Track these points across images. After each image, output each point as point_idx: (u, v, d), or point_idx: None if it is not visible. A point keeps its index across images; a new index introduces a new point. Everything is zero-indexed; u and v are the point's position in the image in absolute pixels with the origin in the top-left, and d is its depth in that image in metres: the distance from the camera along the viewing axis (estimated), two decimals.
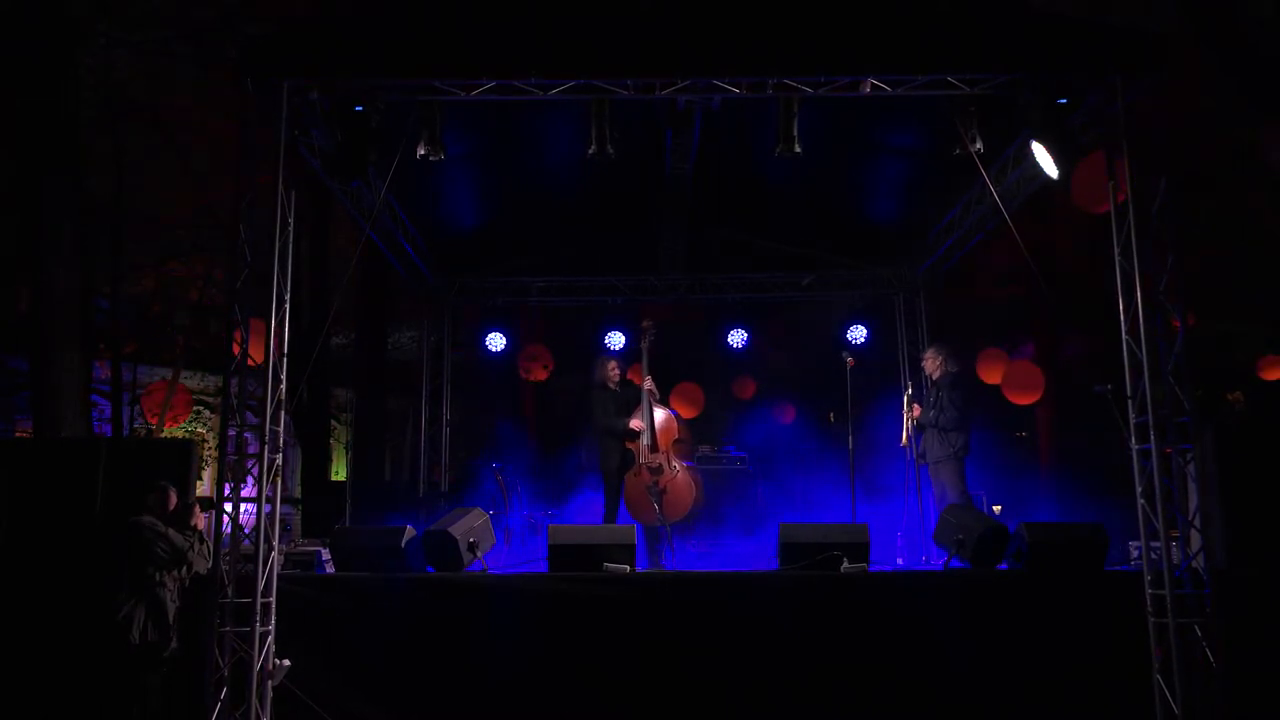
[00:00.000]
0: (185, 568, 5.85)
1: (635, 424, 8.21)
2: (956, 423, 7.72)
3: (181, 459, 6.63)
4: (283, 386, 5.86)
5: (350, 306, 15.06)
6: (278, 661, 5.65)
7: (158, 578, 5.72)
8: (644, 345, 8.56)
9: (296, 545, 8.10)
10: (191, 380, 19.07)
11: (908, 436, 8.03)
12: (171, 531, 5.80)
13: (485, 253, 11.03)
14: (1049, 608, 5.94)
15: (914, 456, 8.03)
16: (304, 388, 8.22)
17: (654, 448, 8.18)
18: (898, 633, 5.94)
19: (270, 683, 5.59)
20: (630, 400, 8.36)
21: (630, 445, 8.26)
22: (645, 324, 8.77)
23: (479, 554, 6.45)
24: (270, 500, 5.79)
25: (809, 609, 5.99)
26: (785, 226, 10.79)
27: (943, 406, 7.74)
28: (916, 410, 7.97)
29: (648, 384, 8.31)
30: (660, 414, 8.30)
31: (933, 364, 8.14)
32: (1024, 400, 12.00)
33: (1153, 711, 5.51)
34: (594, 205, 10.07)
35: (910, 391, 8.19)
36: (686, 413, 12.28)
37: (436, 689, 5.91)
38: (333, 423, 18.55)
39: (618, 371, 8.61)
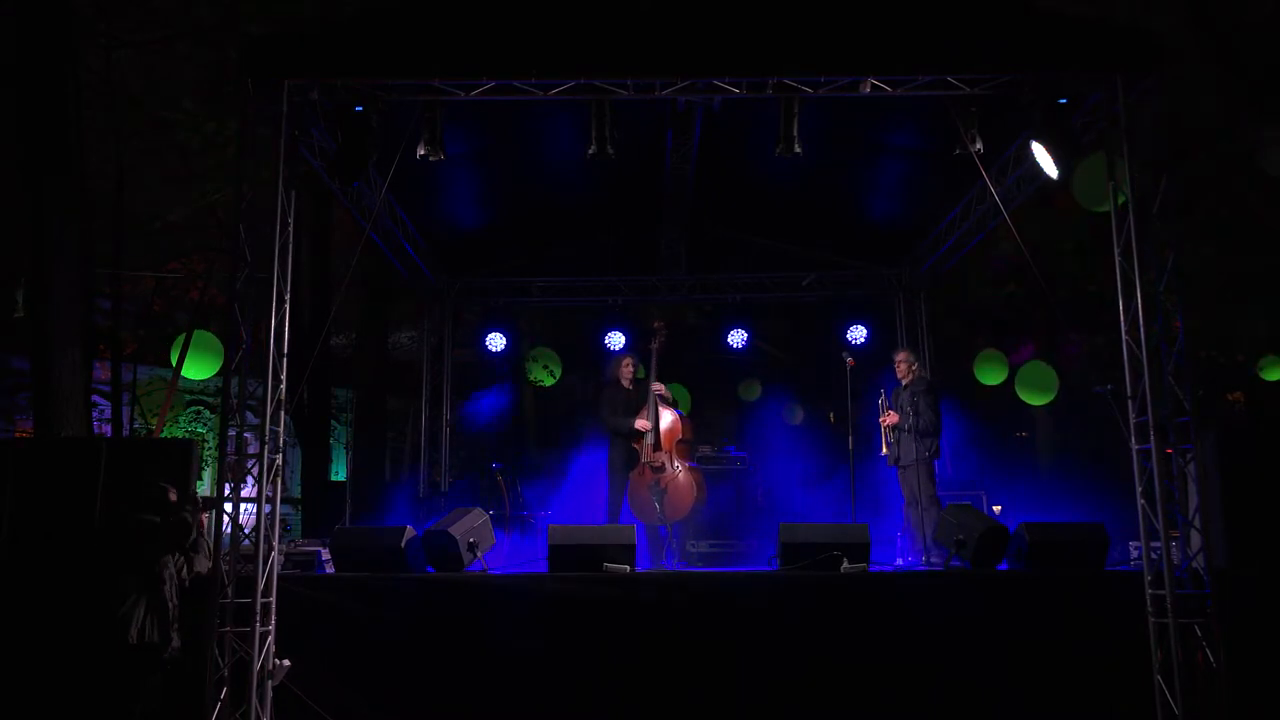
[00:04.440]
0: (186, 567, 5.84)
1: (641, 423, 8.22)
2: (934, 426, 7.76)
3: (181, 459, 6.63)
4: (283, 386, 5.86)
5: (350, 306, 15.07)
6: (278, 661, 5.65)
7: (157, 578, 5.71)
8: (655, 346, 8.55)
9: (296, 545, 8.10)
10: (192, 380, 19.08)
11: (887, 444, 8.02)
12: (169, 517, 5.77)
13: (486, 252, 11.04)
14: (1049, 608, 5.93)
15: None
16: (304, 388, 8.22)
17: (657, 446, 8.19)
18: (898, 633, 5.94)
19: (270, 683, 5.59)
20: (640, 401, 8.37)
21: (636, 444, 8.27)
22: (657, 324, 8.75)
23: (479, 554, 6.45)
24: (270, 500, 5.79)
25: (809, 609, 5.99)
26: (785, 226, 10.80)
27: (919, 410, 7.77)
28: (893, 417, 7.95)
29: (657, 388, 8.32)
30: (667, 414, 8.31)
31: (905, 368, 8.14)
32: (1037, 401, 11.98)
33: (1153, 711, 5.50)
34: (595, 205, 10.07)
35: (882, 398, 8.16)
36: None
37: (436, 689, 5.90)
38: (333, 423, 18.55)
39: (632, 370, 8.61)
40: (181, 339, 9.52)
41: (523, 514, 9.14)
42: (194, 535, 5.77)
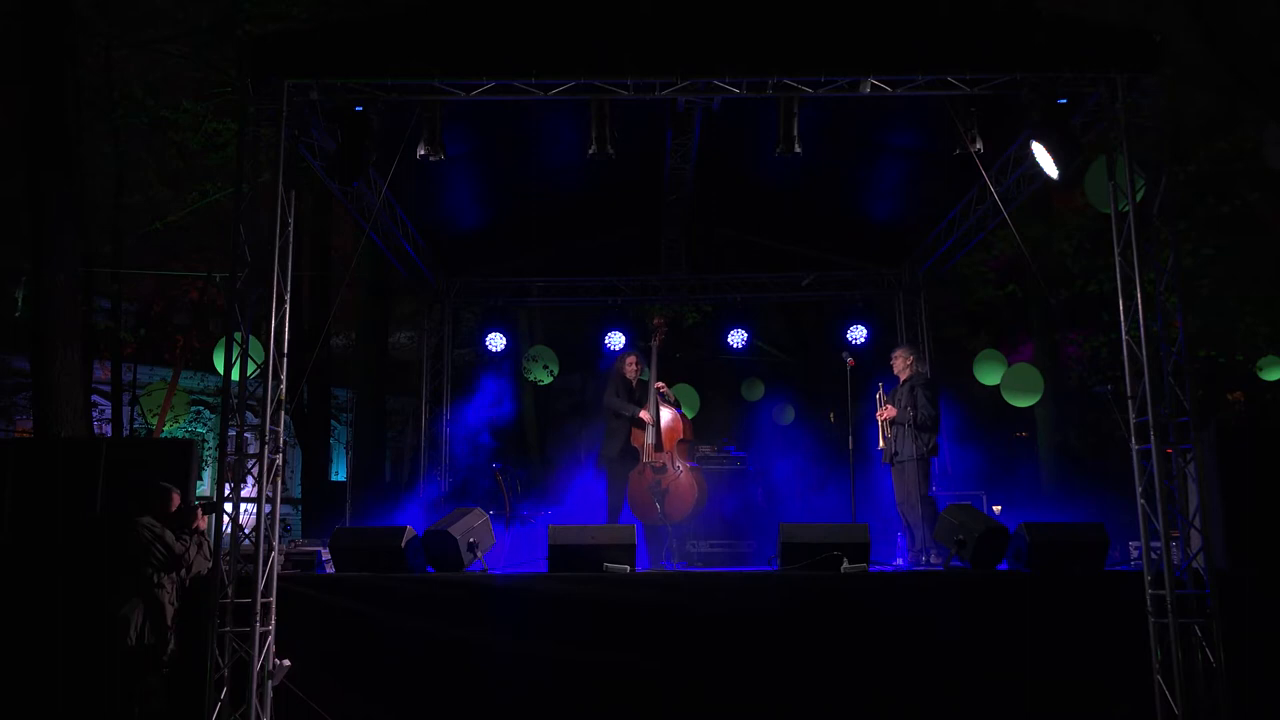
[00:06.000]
0: (185, 569, 5.86)
1: (644, 415, 8.20)
2: (933, 421, 7.66)
3: (181, 459, 6.64)
4: (283, 386, 5.86)
5: (350, 306, 15.08)
6: (278, 661, 5.65)
7: (156, 579, 5.73)
8: (655, 344, 8.51)
9: (296, 545, 8.10)
10: (191, 380, 19.11)
11: (884, 439, 7.92)
12: (169, 534, 5.80)
13: (485, 253, 11.04)
14: (1049, 608, 5.93)
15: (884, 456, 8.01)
16: (304, 388, 8.21)
17: (659, 446, 8.17)
18: (898, 633, 5.94)
19: (270, 683, 5.59)
20: (642, 398, 8.36)
21: (635, 441, 8.26)
22: (657, 321, 8.72)
23: (479, 554, 6.45)
24: (270, 500, 5.79)
25: (809, 609, 5.99)
26: (786, 226, 10.79)
27: (919, 405, 7.66)
28: (891, 411, 7.83)
29: (658, 385, 8.31)
30: (667, 413, 8.28)
31: (902, 364, 8.05)
32: (1023, 403, 11.96)
33: (1153, 711, 5.51)
34: (595, 205, 10.07)
35: (880, 392, 8.07)
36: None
37: (436, 689, 5.90)
38: (333, 423, 18.55)
39: (635, 368, 8.61)
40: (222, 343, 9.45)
41: (523, 514, 9.13)
42: (186, 562, 5.80)
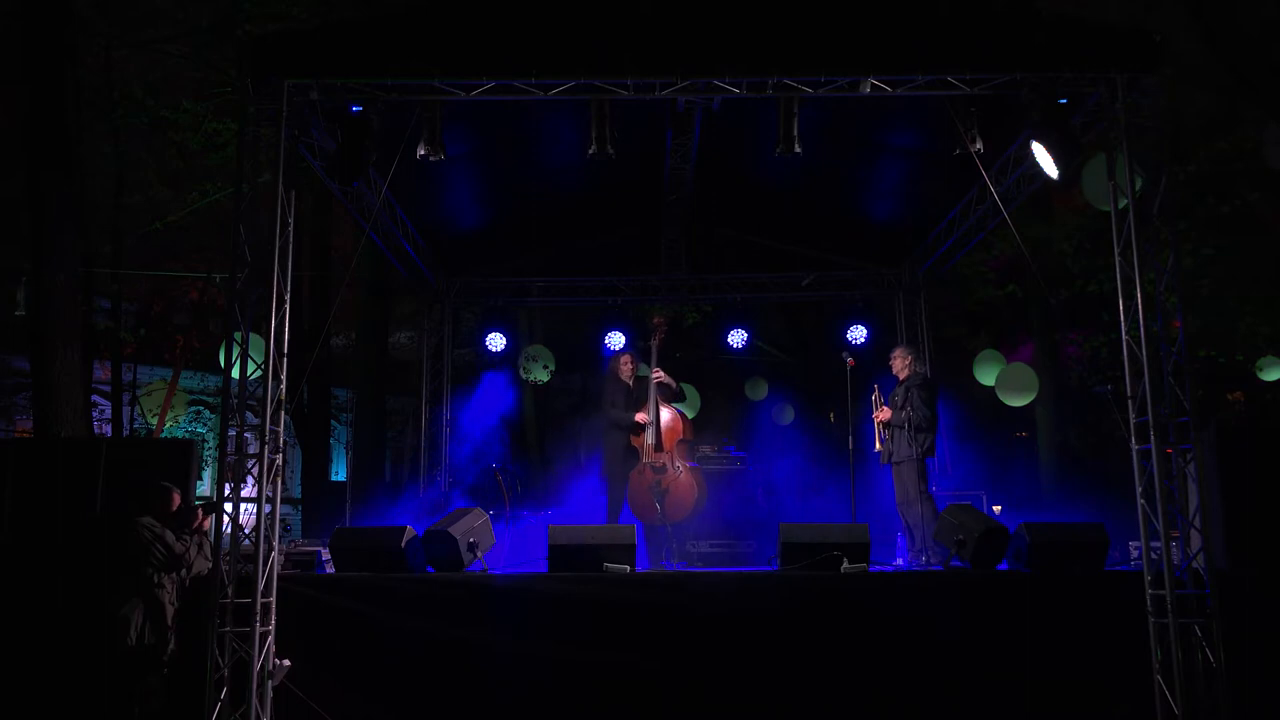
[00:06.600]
0: (185, 569, 5.86)
1: (641, 417, 8.20)
2: (928, 421, 7.66)
3: (181, 459, 6.64)
4: (283, 386, 5.86)
5: (350, 306, 15.08)
6: (278, 661, 5.65)
7: (156, 579, 5.73)
8: (655, 343, 8.50)
9: (296, 545, 8.10)
10: (191, 380, 19.13)
11: (880, 440, 7.92)
12: (169, 534, 5.80)
13: (485, 253, 11.04)
14: (1049, 608, 5.93)
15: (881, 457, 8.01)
16: (304, 388, 8.20)
17: (658, 446, 8.16)
18: (898, 633, 5.94)
19: (270, 683, 5.59)
20: (640, 398, 8.36)
21: (635, 441, 8.25)
22: (657, 320, 8.70)
23: (479, 554, 6.45)
24: (270, 500, 5.79)
25: (809, 609, 5.99)
26: (786, 226, 10.80)
27: (914, 405, 7.65)
28: (886, 413, 7.84)
29: (658, 375, 8.28)
30: (666, 412, 8.28)
31: (901, 364, 8.05)
32: (1017, 402, 11.97)
33: (1153, 711, 5.51)
34: (595, 205, 10.07)
35: (876, 393, 8.07)
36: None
37: (436, 689, 5.90)
38: (333, 423, 18.55)
39: (630, 367, 8.60)
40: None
41: (522, 514, 9.13)
42: (186, 563, 5.81)
